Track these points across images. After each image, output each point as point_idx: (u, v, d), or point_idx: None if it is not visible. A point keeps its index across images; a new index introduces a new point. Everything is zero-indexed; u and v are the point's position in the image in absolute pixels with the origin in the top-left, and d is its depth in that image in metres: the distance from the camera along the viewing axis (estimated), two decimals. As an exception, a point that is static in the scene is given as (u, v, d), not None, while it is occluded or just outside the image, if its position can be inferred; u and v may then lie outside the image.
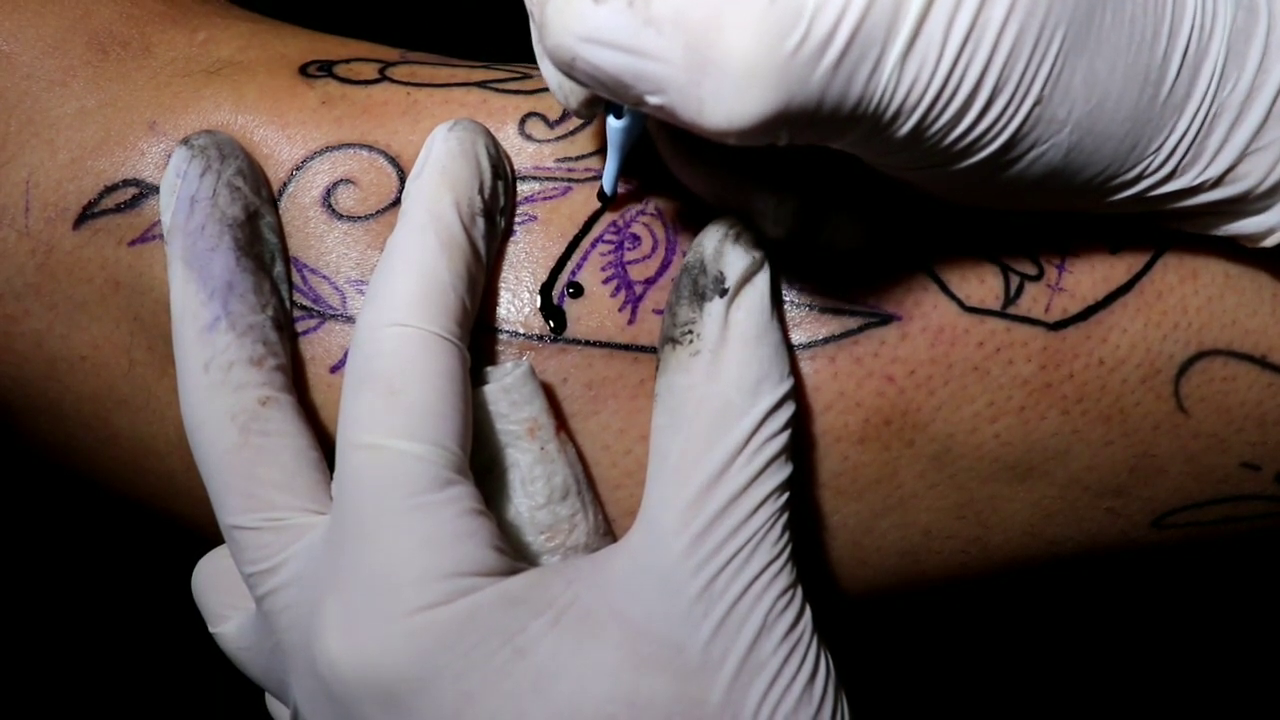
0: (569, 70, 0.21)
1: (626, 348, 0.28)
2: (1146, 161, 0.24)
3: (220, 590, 0.29)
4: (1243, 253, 0.28)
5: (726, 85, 0.20)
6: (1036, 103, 0.22)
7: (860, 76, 0.20)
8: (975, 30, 0.21)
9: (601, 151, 0.29)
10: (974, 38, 0.21)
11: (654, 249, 0.28)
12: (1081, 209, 0.26)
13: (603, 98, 0.24)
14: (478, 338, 0.28)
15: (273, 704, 0.30)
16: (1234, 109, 0.23)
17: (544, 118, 0.30)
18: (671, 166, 0.27)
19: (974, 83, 0.21)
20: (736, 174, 0.26)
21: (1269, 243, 0.26)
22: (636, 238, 0.28)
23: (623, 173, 0.28)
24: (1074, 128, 0.23)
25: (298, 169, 0.29)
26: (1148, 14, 0.22)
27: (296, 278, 0.29)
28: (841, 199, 0.28)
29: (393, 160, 0.29)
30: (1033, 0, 0.21)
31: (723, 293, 0.26)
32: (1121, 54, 0.22)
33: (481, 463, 0.27)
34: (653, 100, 0.21)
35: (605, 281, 0.28)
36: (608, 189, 0.28)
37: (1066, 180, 0.24)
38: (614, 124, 0.26)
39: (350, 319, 0.28)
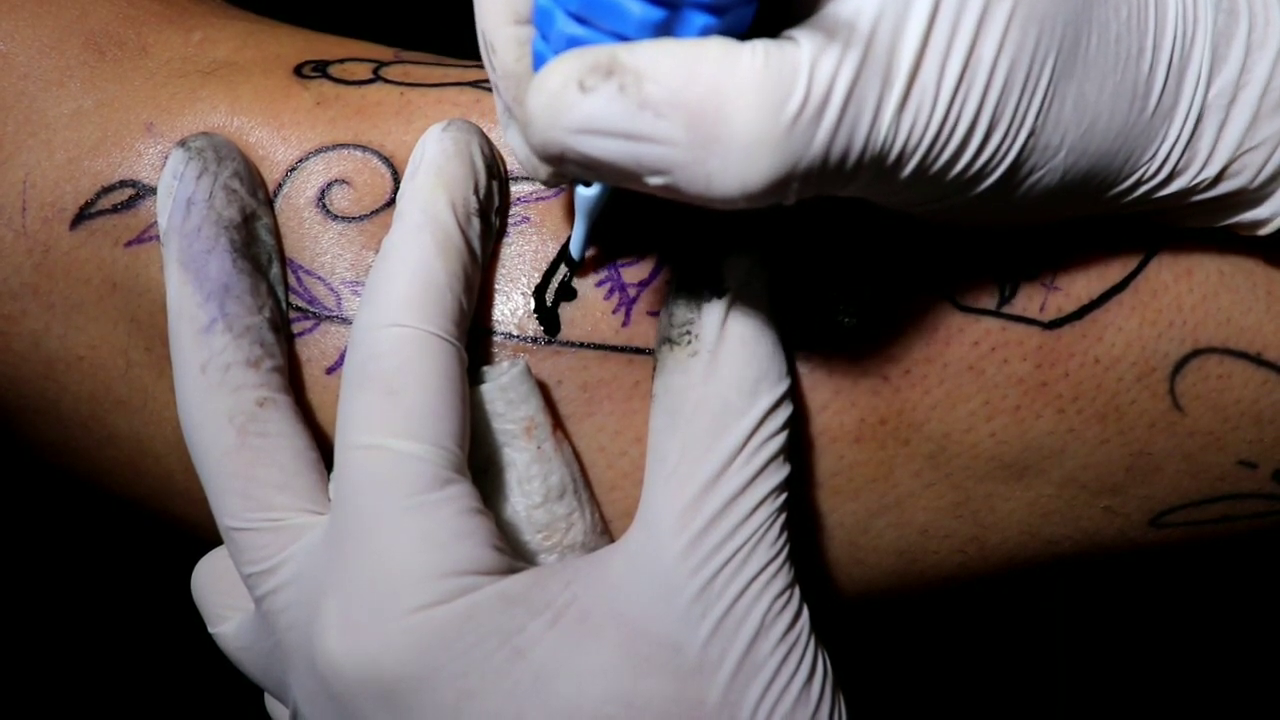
0: (558, 162, 0.21)
1: (621, 350, 0.28)
2: (1142, 169, 0.24)
3: (219, 591, 0.29)
4: (1237, 249, 0.28)
5: (734, 158, 0.20)
6: (1031, 133, 0.22)
7: (861, 129, 0.20)
8: (968, 72, 0.21)
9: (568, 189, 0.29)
10: (967, 79, 0.21)
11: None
12: (1081, 215, 0.26)
13: (577, 176, 0.24)
14: (473, 339, 0.28)
15: (272, 704, 0.30)
16: (1221, 110, 0.24)
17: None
18: None
19: (970, 122, 0.21)
20: None
21: (1266, 231, 0.26)
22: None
23: (589, 239, 0.27)
24: (1069, 151, 0.23)
25: (292, 170, 0.29)
26: (1131, 31, 0.23)
27: (292, 279, 0.29)
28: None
29: (387, 160, 0.29)
30: (1021, 35, 0.21)
31: (721, 293, 0.26)
32: (1109, 74, 0.22)
33: (478, 462, 0.27)
34: (654, 181, 0.21)
35: (599, 284, 0.28)
36: (575, 255, 0.27)
37: (1065, 196, 0.24)
38: (583, 192, 0.26)
39: (346, 320, 0.28)
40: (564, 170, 0.21)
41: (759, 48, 0.20)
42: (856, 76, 0.20)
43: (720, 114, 0.20)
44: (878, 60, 0.20)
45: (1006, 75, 0.21)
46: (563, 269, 0.28)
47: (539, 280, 0.28)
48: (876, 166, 0.21)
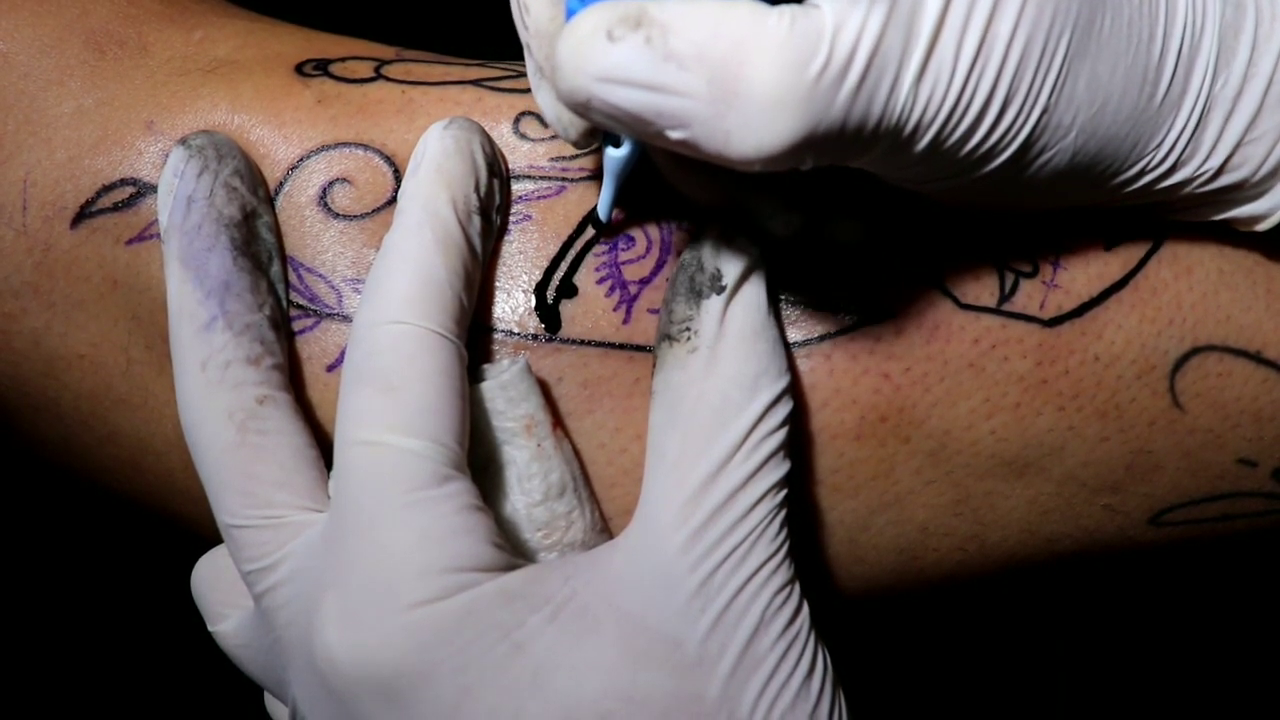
0: (584, 111, 0.21)
1: (621, 347, 0.28)
2: (1148, 158, 0.24)
3: (219, 589, 0.29)
4: (1236, 247, 0.28)
5: (754, 116, 0.20)
6: (1044, 110, 0.22)
7: (880, 97, 0.21)
8: (985, 46, 0.21)
9: (596, 151, 0.29)
10: (984, 53, 0.21)
11: (648, 249, 0.28)
12: (1085, 204, 0.26)
13: (601, 127, 0.24)
14: (474, 337, 0.28)
15: (271, 702, 0.30)
16: (1227, 102, 0.24)
17: (538, 116, 0.30)
18: (667, 174, 0.27)
19: (985, 95, 0.22)
20: (740, 177, 0.27)
21: (1263, 226, 0.26)
22: (631, 238, 0.29)
23: (617, 200, 0.27)
24: (1079, 131, 0.23)
25: (294, 168, 0.29)
26: (1143, 16, 0.23)
27: (293, 277, 0.29)
28: (844, 196, 0.28)
29: (388, 159, 0.29)
30: (1038, 12, 0.21)
31: (720, 290, 0.26)
32: (1121, 57, 0.23)
33: (478, 460, 0.27)
34: (675, 135, 0.21)
35: (600, 281, 0.28)
36: (603, 216, 0.28)
37: (1072, 181, 0.24)
38: (612, 153, 0.26)
39: (346, 318, 0.28)
40: (590, 119, 0.22)
41: (786, 11, 0.20)
42: (878, 41, 0.20)
43: (742, 71, 0.20)
44: (899, 26, 0.20)
45: (1023, 50, 0.21)
46: (582, 238, 0.28)
47: (540, 277, 0.28)
48: (893, 137, 0.21)
